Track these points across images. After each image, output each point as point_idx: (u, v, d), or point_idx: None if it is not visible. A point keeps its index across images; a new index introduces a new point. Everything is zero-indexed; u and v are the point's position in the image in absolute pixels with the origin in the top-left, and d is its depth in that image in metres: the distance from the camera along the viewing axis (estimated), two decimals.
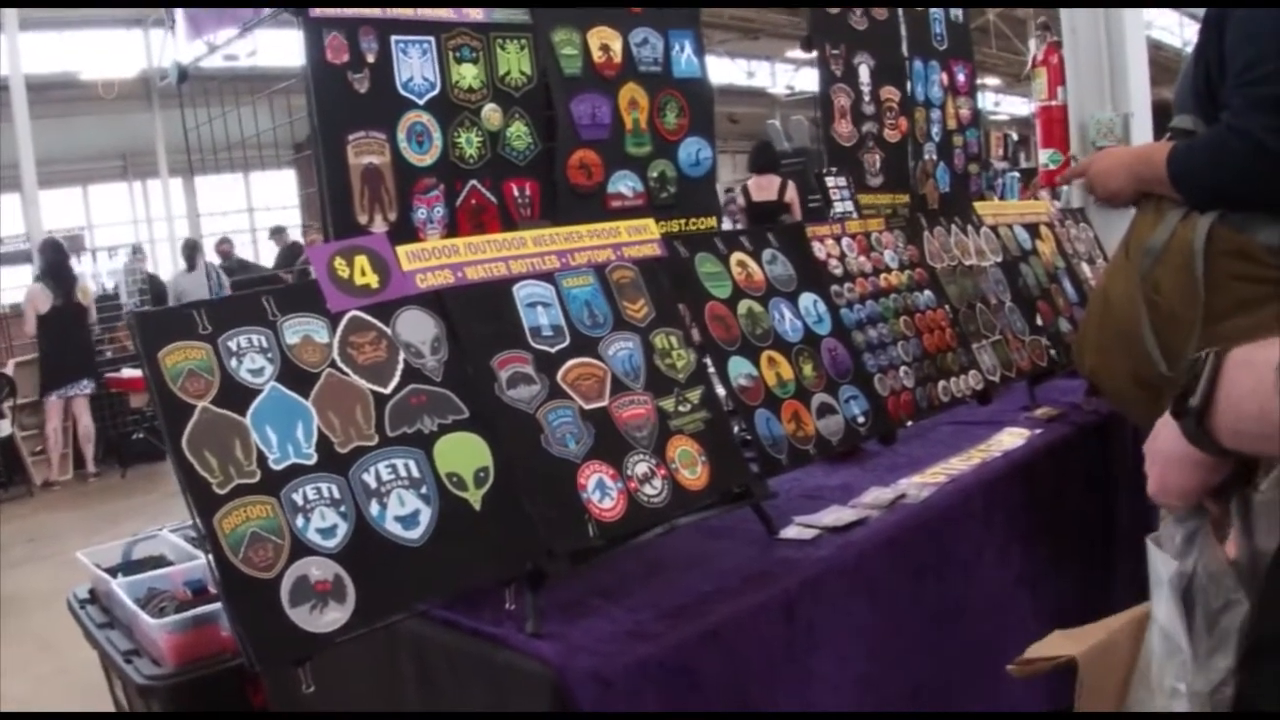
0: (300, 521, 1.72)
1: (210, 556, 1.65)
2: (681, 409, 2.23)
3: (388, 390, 1.90)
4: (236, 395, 1.78)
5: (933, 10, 3.84)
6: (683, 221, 2.93)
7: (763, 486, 2.31)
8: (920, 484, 2.61)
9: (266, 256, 17.53)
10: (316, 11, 2.34)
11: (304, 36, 2.34)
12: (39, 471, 9.99)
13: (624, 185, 2.81)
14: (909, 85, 3.68)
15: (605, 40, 2.78)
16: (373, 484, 1.80)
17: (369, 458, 1.83)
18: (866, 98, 3.47)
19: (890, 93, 3.58)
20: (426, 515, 1.83)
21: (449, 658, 1.98)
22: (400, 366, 1.94)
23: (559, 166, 2.69)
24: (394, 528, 1.79)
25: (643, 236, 2.42)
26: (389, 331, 1.96)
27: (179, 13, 2.94)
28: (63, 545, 6.99)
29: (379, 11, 2.42)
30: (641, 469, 2.09)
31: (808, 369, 2.60)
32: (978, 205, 3.69)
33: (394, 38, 2.44)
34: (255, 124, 2.97)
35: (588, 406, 2.10)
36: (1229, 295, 2.21)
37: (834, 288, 2.86)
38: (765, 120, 18.46)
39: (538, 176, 2.66)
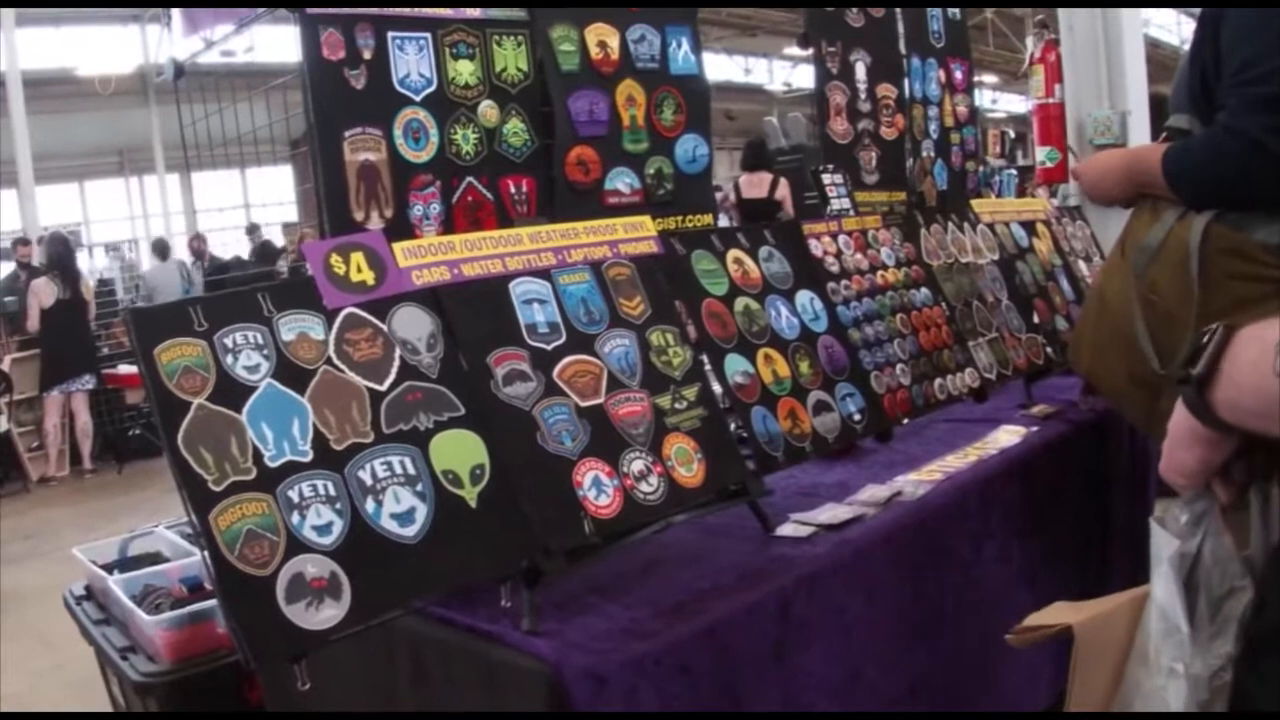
0: (296, 519, 1.71)
1: (206, 553, 1.65)
2: (678, 406, 2.23)
3: (384, 387, 1.90)
4: (232, 392, 1.77)
5: (930, 8, 3.84)
6: (680, 218, 2.94)
7: (759, 484, 2.31)
8: (916, 481, 2.61)
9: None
10: (313, 8, 2.34)
11: (300, 33, 2.34)
12: (36, 467, 9.96)
13: (621, 182, 2.81)
14: (906, 82, 3.69)
15: (603, 37, 2.78)
16: (369, 481, 1.80)
17: (365, 455, 1.82)
18: (863, 95, 3.48)
19: (887, 90, 3.58)
20: (422, 512, 1.83)
21: (445, 655, 1.98)
22: (396, 363, 1.94)
23: (557, 163, 2.69)
24: (390, 525, 1.79)
25: (639, 234, 2.42)
26: (385, 328, 1.96)
27: (175, 10, 2.94)
28: (59, 542, 6.99)
29: (375, 8, 2.42)
30: (638, 466, 2.09)
31: (804, 366, 2.60)
32: (975, 203, 3.69)
33: (390, 34, 2.45)
34: (251, 120, 2.97)
35: (584, 404, 2.10)
36: (1225, 294, 2.21)
37: (830, 285, 2.86)
38: (762, 117, 18.48)
39: (534, 173, 2.66)
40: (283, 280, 2.10)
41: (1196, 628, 1.30)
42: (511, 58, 2.63)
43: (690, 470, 2.17)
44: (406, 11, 2.48)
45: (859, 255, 3.02)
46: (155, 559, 3.41)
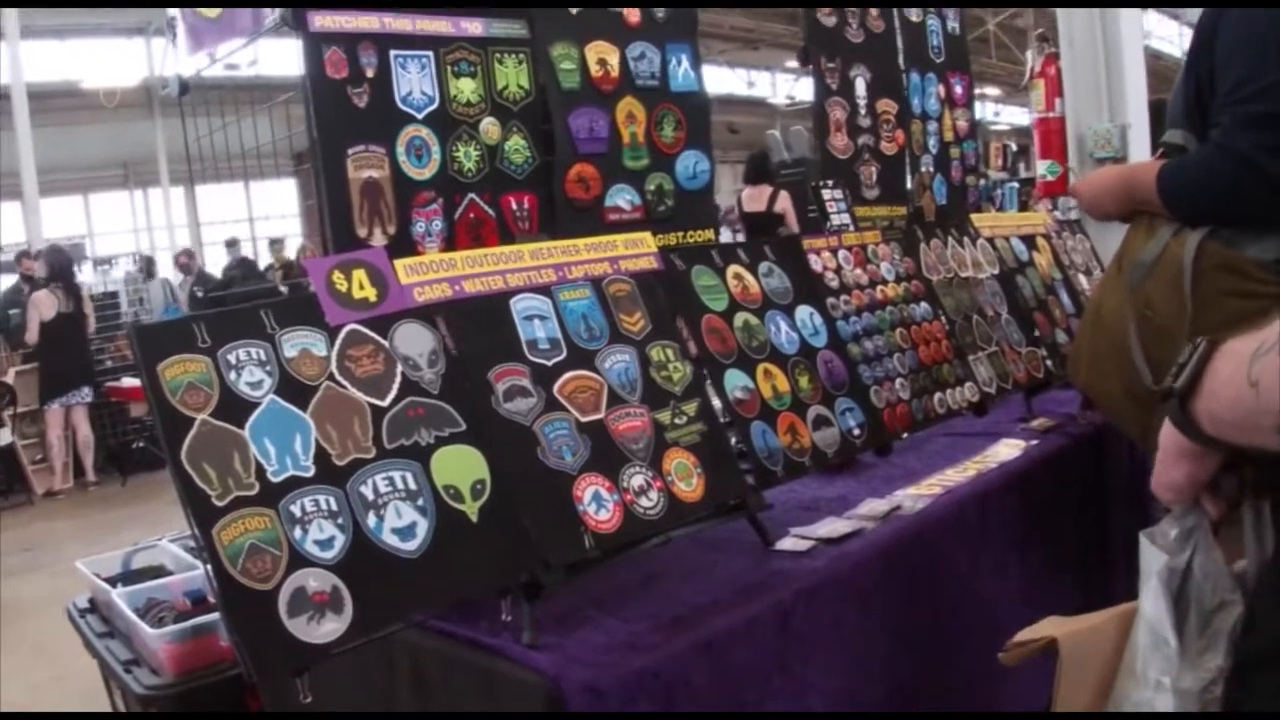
0: (298, 533, 1.73)
1: (209, 567, 1.67)
2: (678, 421, 2.25)
3: (385, 403, 1.92)
4: (235, 408, 1.79)
5: (930, 22, 3.86)
6: (680, 234, 2.95)
7: (758, 498, 2.32)
8: (916, 495, 2.62)
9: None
10: (316, 26, 2.37)
11: (303, 52, 2.37)
12: (40, 480, 9.98)
13: (621, 198, 2.83)
14: (906, 97, 3.71)
15: (603, 54, 2.80)
16: (370, 496, 1.82)
17: (366, 470, 1.84)
18: (863, 110, 3.50)
19: (887, 105, 3.60)
20: (423, 527, 1.84)
21: (445, 668, 1.99)
22: (398, 379, 1.95)
23: (557, 180, 2.71)
24: (391, 539, 1.80)
25: (639, 250, 2.44)
26: (387, 345, 1.97)
27: (180, 26, 2.96)
28: (62, 554, 7.01)
29: (378, 26, 2.44)
30: (637, 481, 2.11)
31: (804, 381, 2.61)
32: (975, 217, 3.71)
33: (393, 52, 2.47)
34: (255, 135, 2.99)
35: (584, 419, 2.11)
36: (1219, 310, 2.22)
37: (830, 300, 2.87)
38: (765, 130, 18.49)
39: (536, 190, 2.68)
40: (285, 297, 2.11)
41: (1185, 642, 1.31)
42: (513, 75, 2.65)
43: (690, 485, 2.19)
44: (409, 28, 2.50)
45: (858, 270, 3.04)
46: (159, 572, 3.42)
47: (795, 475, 2.48)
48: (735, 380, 2.46)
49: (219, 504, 1.70)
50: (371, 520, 1.80)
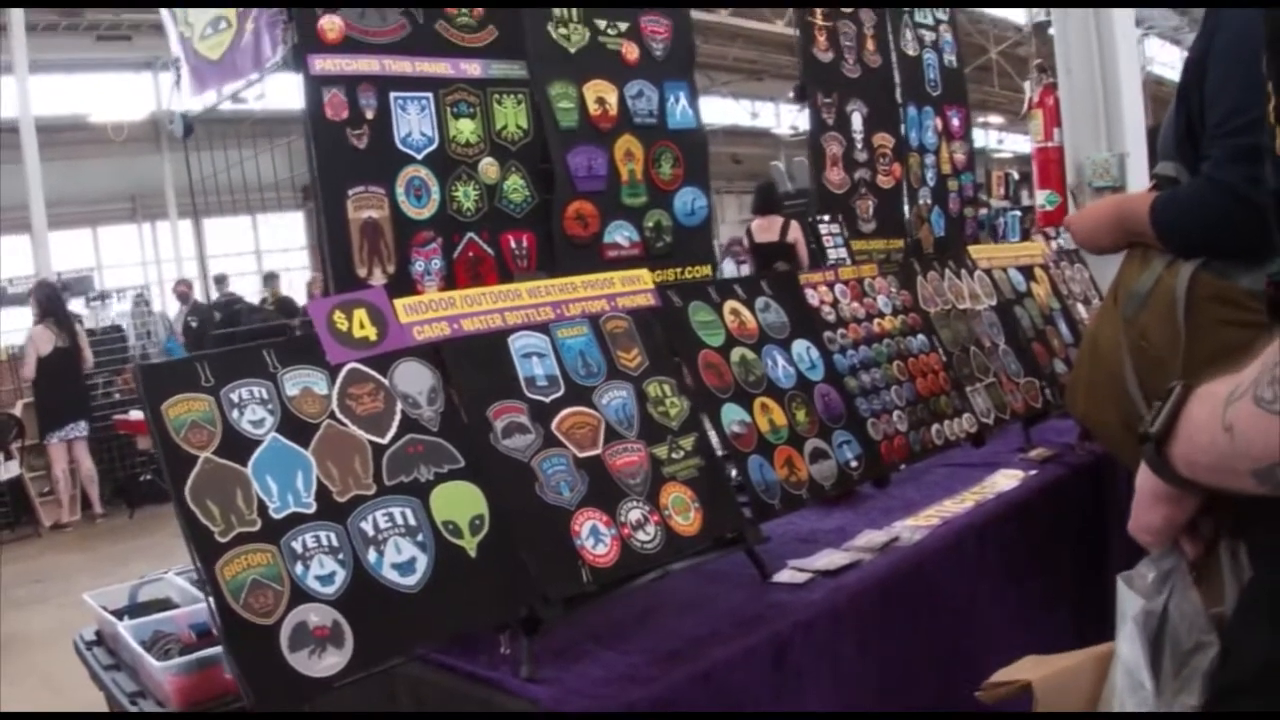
0: (300, 569, 1.76)
1: (211, 602, 1.69)
2: (675, 456, 2.27)
3: (385, 440, 1.95)
4: (238, 446, 1.82)
5: (926, 56, 3.90)
6: (679, 270, 2.98)
7: (755, 531, 2.34)
8: (913, 526, 2.64)
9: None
10: (316, 69, 2.41)
11: (304, 94, 2.40)
12: (48, 513, 10.00)
13: (620, 235, 2.87)
14: (903, 131, 3.74)
15: (601, 93, 2.84)
16: (370, 532, 1.85)
17: (367, 506, 1.87)
18: (859, 145, 3.53)
19: (883, 139, 3.64)
20: (423, 562, 1.87)
21: (446, 701, 2.01)
22: (398, 417, 1.98)
23: (555, 218, 2.74)
24: (391, 575, 1.83)
25: (637, 286, 2.47)
26: (387, 383, 2.01)
27: (184, 68, 3.00)
28: (69, 586, 7.02)
29: (378, 68, 2.48)
30: (635, 515, 2.13)
31: (801, 415, 2.63)
32: (972, 249, 3.73)
33: (393, 94, 2.51)
34: (257, 170, 3.03)
35: (581, 455, 2.14)
36: (1212, 340, 2.24)
37: (827, 334, 2.89)
38: (769, 160, 18.56)
39: (534, 228, 2.71)
40: (288, 337, 2.14)
41: (1161, 683, 1.32)
42: (511, 115, 2.69)
43: (687, 519, 2.21)
44: (409, 70, 2.54)
45: (855, 304, 3.06)
46: (165, 605, 3.43)
47: (792, 508, 2.50)
48: (732, 414, 2.49)
49: (222, 540, 1.73)
50: (372, 556, 1.83)
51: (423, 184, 2.53)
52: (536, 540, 2.00)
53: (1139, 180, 5.72)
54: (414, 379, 2.05)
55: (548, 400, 2.17)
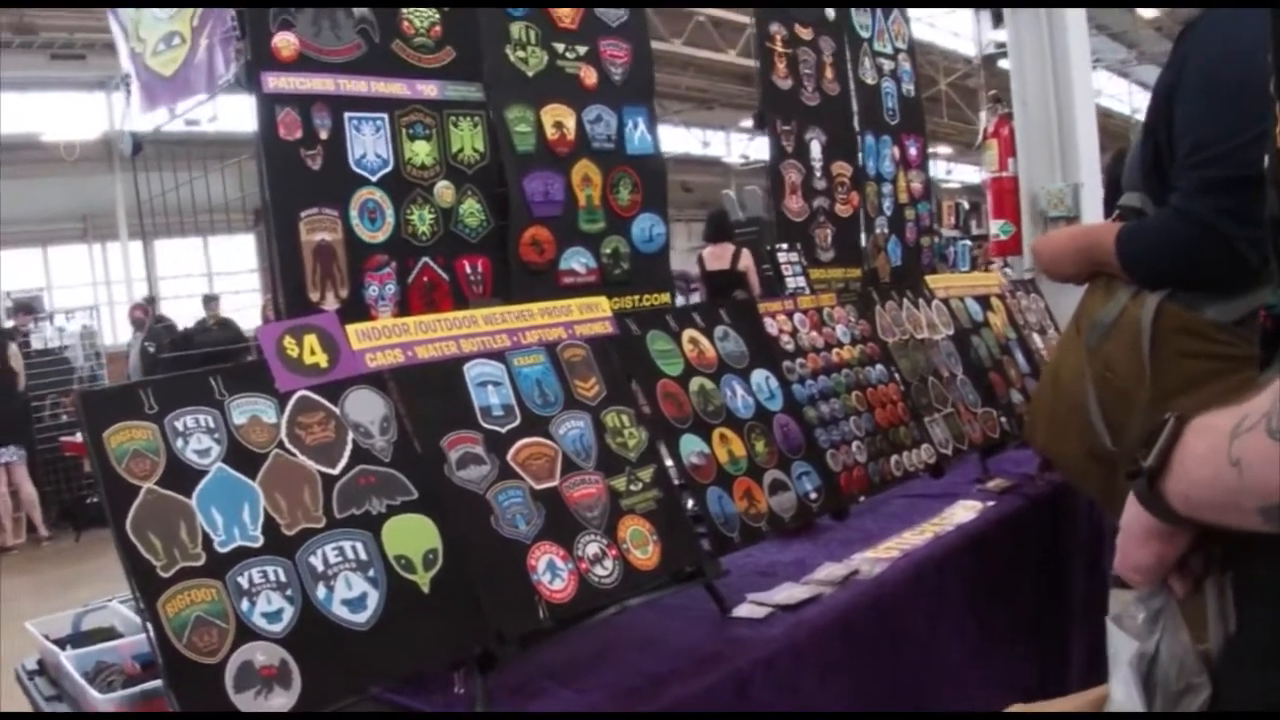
0: (246, 605, 1.69)
1: (153, 639, 1.63)
2: (633, 488, 2.23)
3: (336, 471, 1.89)
4: (182, 476, 1.75)
5: (885, 85, 3.91)
6: (636, 297, 2.95)
7: (715, 565, 2.30)
8: (873, 559, 2.61)
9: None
10: (269, 87, 2.36)
11: (257, 112, 2.35)
12: None
13: (576, 262, 2.83)
14: (861, 160, 3.73)
15: (559, 117, 2.81)
16: (320, 567, 1.78)
17: (316, 540, 1.80)
18: (818, 173, 3.52)
19: (842, 168, 3.63)
20: (374, 598, 1.81)
21: None
22: (349, 447, 1.92)
23: (511, 243, 2.70)
24: (341, 611, 1.77)
25: (594, 314, 2.43)
26: (338, 411, 1.95)
27: (135, 84, 2.95)
28: (13, 611, 6.84)
29: (333, 88, 2.44)
30: (592, 549, 2.08)
31: (760, 445, 2.60)
32: (929, 278, 3.72)
33: (347, 114, 2.46)
34: (207, 191, 2.97)
35: (538, 486, 2.09)
36: (1178, 371, 2.24)
37: (786, 363, 2.86)
38: (720, 189, 18.63)
39: (490, 254, 2.67)
40: (235, 364, 2.08)
41: None
42: (468, 138, 2.65)
43: (645, 553, 2.16)
44: (364, 90, 2.50)
45: (814, 333, 3.04)
46: (109, 634, 3.35)
47: (752, 541, 2.46)
48: (691, 445, 2.45)
49: (164, 575, 1.66)
50: (321, 591, 1.76)
51: (377, 206, 2.48)
52: (492, 575, 1.94)
53: (1093, 210, 5.76)
54: (366, 408, 1.99)
55: (504, 430, 2.12)
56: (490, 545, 1.97)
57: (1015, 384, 3.64)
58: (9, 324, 11.71)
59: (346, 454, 1.91)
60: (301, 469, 1.86)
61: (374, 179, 2.49)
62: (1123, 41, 23.34)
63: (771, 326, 2.92)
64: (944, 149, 26.91)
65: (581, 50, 2.90)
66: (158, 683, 2.66)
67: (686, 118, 24.37)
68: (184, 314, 15.05)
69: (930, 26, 19.83)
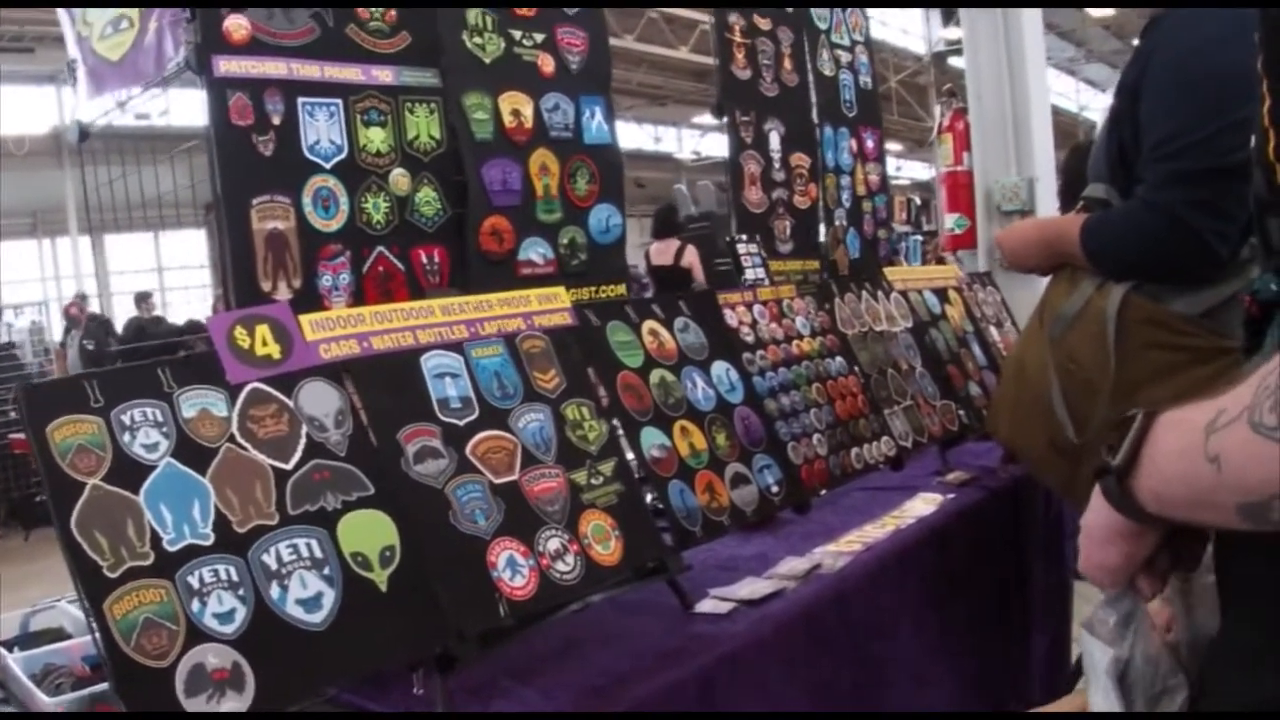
0: (196, 606, 1.63)
1: (100, 643, 1.57)
2: (594, 482, 2.18)
3: (289, 466, 1.83)
4: (129, 472, 1.69)
5: (843, 76, 3.89)
6: (593, 288, 2.91)
7: (677, 560, 2.26)
8: (836, 553, 2.58)
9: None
10: (220, 71, 2.30)
11: (207, 97, 2.29)
12: None
13: (534, 252, 2.79)
14: (819, 151, 3.71)
15: (516, 105, 2.76)
16: (273, 565, 1.73)
17: (269, 538, 1.75)
18: (777, 164, 3.50)
19: (800, 159, 3.61)
20: (330, 597, 1.75)
21: None
22: (303, 441, 1.86)
23: (470, 233, 2.66)
24: (295, 611, 1.71)
25: (553, 305, 2.38)
26: (291, 404, 1.89)
27: (80, 69, 2.87)
28: None
29: (285, 72, 2.38)
30: (553, 545, 2.04)
31: (721, 438, 2.56)
32: (887, 270, 3.71)
33: (300, 100, 2.40)
34: (156, 184, 2.91)
35: (498, 480, 2.04)
36: (1143, 363, 2.23)
37: (746, 355, 2.83)
38: (672, 185, 18.66)
39: (446, 243, 2.62)
40: (184, 355, 2.02)
41: None
42: (424, 125, 2.60)
43: (607, 548, 2.12)
44: (317, 75, 2.44)
45: (774, 325, 3.01)
46: (58, 635, 3.28)
47: (714, 535, 2.43)
48: (652, 438, 2.41)
49: (111, 575, 1.60)
50: (275, 591, 1.71)
51: (331, 194, 2.42)
52: (451, 572, 1.89)
53: (1048, 204, 5.80)
54: (320, 400, 1.93)
55: (462, 423, 2.06)
56: (449, 541, 1.92)
57: (973, 376, 3.63)
58: None
59: (300, 448, 1.85)
60: (253, 464, 1.80)
61: (328, 166, 2.43)
62: (1071, 40, 23.60)
63: (731, 318, 2.89)
64: (894, 145, 27.08)
65: (539, 38, 2.86)
66: (106, 686, 2.62)
67: (639, 114, 24.41)
68: (133, 311, 14.89)
69: (882, 25, 19.96)
